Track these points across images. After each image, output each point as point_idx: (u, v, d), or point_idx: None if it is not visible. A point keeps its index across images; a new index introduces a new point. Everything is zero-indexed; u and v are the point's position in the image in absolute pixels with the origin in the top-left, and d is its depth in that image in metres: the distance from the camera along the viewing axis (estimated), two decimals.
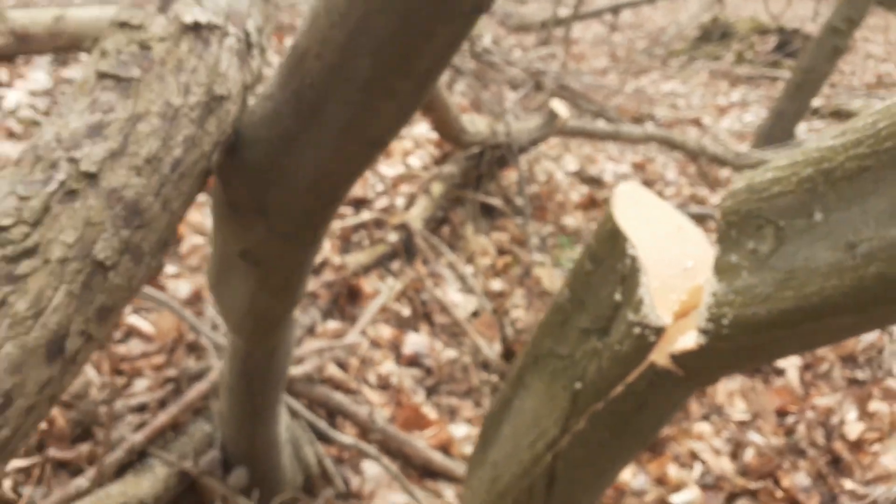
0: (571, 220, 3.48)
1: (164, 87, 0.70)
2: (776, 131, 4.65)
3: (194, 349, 2.01)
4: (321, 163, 0.76)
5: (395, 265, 2.75)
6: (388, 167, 3.26)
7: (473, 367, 2.39)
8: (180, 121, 0.70)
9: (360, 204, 3.00)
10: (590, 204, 3.68)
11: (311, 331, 2.31)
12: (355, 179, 0.83)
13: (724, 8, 8.37)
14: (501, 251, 3.07)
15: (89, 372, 1.85)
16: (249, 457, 1.73)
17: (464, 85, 4.46)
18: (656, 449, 2.17)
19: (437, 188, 3.02)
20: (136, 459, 1.66)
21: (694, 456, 2.16)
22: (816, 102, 5.34)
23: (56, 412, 1.73)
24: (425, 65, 0.66)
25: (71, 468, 1.73)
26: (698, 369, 0.66)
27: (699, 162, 4.06)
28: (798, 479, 2.08)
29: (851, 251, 0.51)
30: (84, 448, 1.73)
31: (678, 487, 2.03)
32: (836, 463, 2.17)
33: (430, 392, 2.30)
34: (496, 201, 3.27)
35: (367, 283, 2.58)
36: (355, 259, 2.62)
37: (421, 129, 3.52)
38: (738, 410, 2.35)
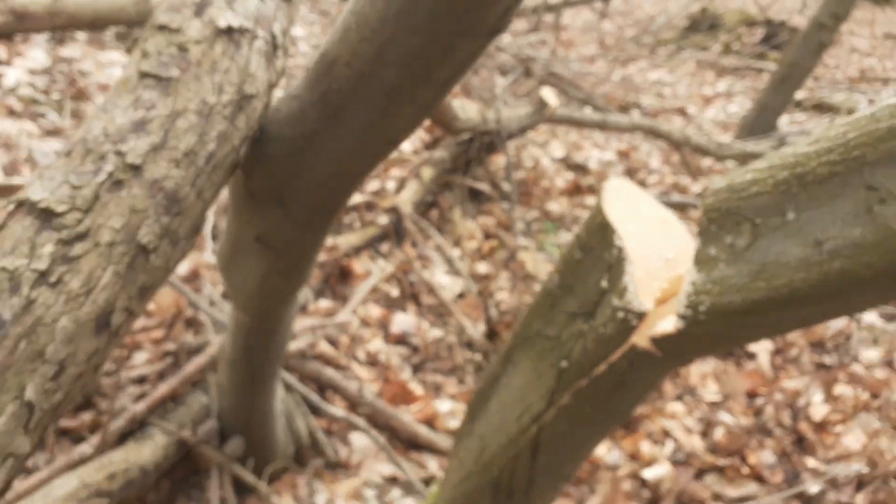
0: (556, 205, 3.55)
1: (200, 86, 0.76)
2: (760, 123, 4.72)
3: (192, 324, 2.07)
4: (340, 158, 0.83)
5: (385, 247, 2.82)
6: None
7: (458, 346, 2.48)
8: (214, 117, 0.77)
9: None
10: (574, 190, 3.74)
11: (303, 309, 2.38)
12: (369, 173, 0.90)
13: None
14: (488, 235, 3.14)
15: None
16: (245, 427, 1.80)
17: None
18: (631, 426, 2.27)
19: (427, 173, 3.07)
20: (136, 428, 1.73)
21: (666, 434, 2.26)
22: (799, 95, 5.43)
23: None
24: (446, 75, 0.73)
25: (73, 435, 1.80)
26: (675, 351, 0.72)
27: (683, 151, 4.13)
28: (764, 456, 2.19)
29: (819, 248, 0.56)
30: (86, 417, 1.80)
31: (650, 463, 2.13)
32: (800, 442, 2.28)
33: (417, 369, 2.39)
34: (484, 186, 3.33)
35: (358, 264, 2.65)
36: (346, 240, 2.69)
37: None
38: (710, 391, 2.46)
